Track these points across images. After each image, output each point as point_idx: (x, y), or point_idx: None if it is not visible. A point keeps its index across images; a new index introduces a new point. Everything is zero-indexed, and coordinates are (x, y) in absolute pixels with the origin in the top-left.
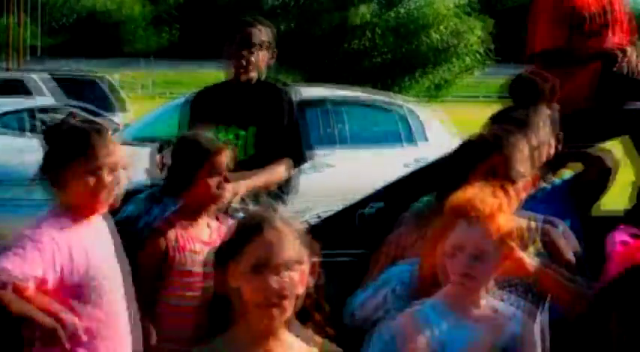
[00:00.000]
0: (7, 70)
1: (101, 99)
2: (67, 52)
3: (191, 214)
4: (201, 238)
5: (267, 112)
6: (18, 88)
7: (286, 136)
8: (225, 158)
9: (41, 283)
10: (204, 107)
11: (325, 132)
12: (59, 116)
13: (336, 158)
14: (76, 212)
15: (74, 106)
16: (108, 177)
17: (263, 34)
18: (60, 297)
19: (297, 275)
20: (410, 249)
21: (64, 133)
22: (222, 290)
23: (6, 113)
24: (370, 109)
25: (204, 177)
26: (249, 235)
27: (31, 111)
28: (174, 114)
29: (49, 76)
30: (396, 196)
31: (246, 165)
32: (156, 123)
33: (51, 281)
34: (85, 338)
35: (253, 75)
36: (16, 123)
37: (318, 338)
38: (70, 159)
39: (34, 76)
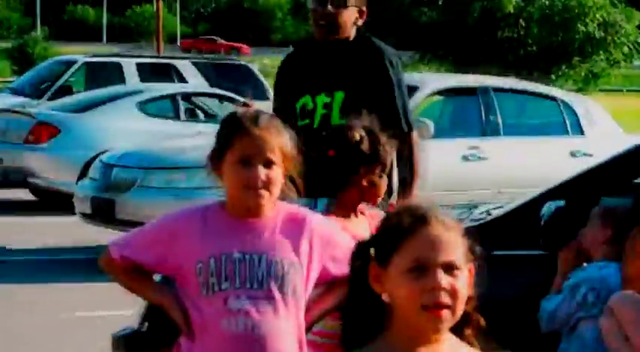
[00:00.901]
0: (157, 55)
1: (248, 85)
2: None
3: (348, 210)
4: (362, 234)
5: (360, 74)
6: (168, 73)
7: (386, 104)
8: (389, 156)
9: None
10: (288, 73)
11: (479, 122)
12: (209, 101)
13: (490, 148)
14: (228, 205)
15: (221, 93)
16: (264, 171)
17: None
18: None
19: (465, 275)
20: (595, 249)
21: (225, 122)
22: (371, 289)
23: (157, 98)
24: (526, 98)
25: (360, 179)
26: (405, 231)
27: (182, 96)
28: None
29: (197, 62)
30: (577, 193)
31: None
32: None
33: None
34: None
35: (338, 37)
36: (167, 107)
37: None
38: (224, 148)
39: (183, 61)
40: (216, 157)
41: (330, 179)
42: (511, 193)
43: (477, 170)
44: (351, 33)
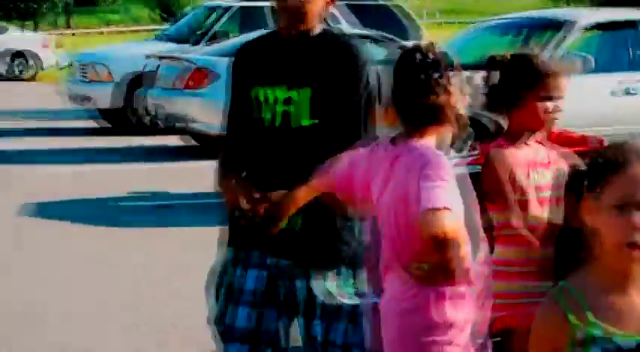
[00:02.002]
0: None
1: (396, 26)
2: None
3: (518, 137)
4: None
5: (329, 70)
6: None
7: (353, 106)
8: (562, 82)
9: None
10: (244, 63)
11: (636, 56)
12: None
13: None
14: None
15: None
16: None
17: None
18: None
19: None
20: None
21: (511, 63)
22: (574, 222)
23: None
24: None
25: (533, 100)
26: (616, 167)
27: None
28: (476, 40)
29: (342, 3)
30: None
31: (296, 139)
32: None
33: None
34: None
35: (305, 28)
36: None
37: None
38: (527, 87)
39: (337, 3)
40: None
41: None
42: None
43: (626, 105)
44: (316, 24)
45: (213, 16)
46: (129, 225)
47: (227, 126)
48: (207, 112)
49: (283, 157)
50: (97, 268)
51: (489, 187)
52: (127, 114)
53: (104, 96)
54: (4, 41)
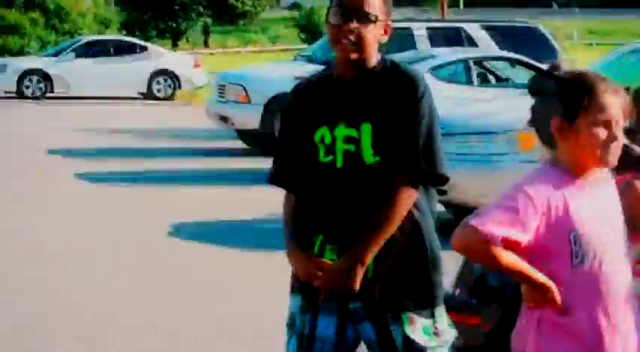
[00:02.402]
0: (447, 19)
1: (536, 48)
2: (495, 1)
3: None
4: None
5: (388, 102)
6: (455, 38)
7: (416, 138)
8: None
9: (518, 239)
10: (301, 105)
11: None
12: (500, 65)
13: None
14: (572, 168)
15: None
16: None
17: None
18: (535, 257)
19: None
20: None
21: (564, 84)
22: None
23: (449, 63)
24: None
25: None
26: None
27: (474, 61)
28: (621, 63)
29: (478, 24)
30: None
31: (360, 178)
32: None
33: (528, 240)
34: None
35: (361, 56)
36: (459, 72)
37: None
38: (576, 110)
39: (473, 25)
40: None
41: None
42: None
43: None
44: (373, 53)
45: None
46: (270, 248)
47: (284, 172)
48: None
49: (350, 199)
50: (243, 290)
51: (629, 217)
52: (263, 136)
53: (241, 117)
54: (154, 61)
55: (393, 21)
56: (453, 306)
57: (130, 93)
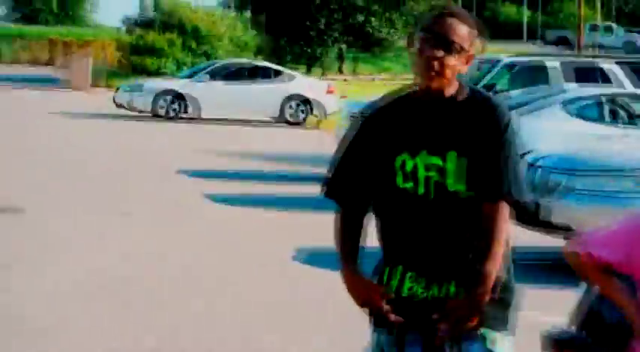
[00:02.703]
0: (581, 55)
1: None
2: None
3: None
4: None
5: (472, 130)
6: (589, 73)
7: (502, 167)
8: None
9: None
10: (380, 128)
11: None
12: (634, 103)
13: None
14: None
15: None
16: None
17: (463, 29)
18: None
19: None
20: None
21: None
22: None
23: (581, 99)
24: None
25: None
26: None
27: (606, 98)
28: None
29: (620, 62)
30: None
31: (442, 207)
32: None
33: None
34: None
35: (443, 84)
36: (591, 109)
37: None
38: None
39: (608, 61)
40: None
41: None
42: None
43: None
44: (455, 81)
45: (482, 69)
46: None
47: (346, 194)
48: None
49: (433, 226)
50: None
51: None
52: None
53: None
54: (288, 86)
55: (527, 55)
56: (563, 341)
57: (262, 117)
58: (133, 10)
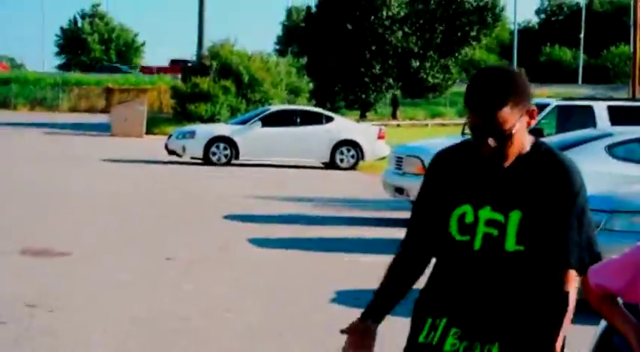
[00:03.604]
0: (630, 98)
1: None
2: None
3: None
4: None
5: (541, 192)
6: (636, 117)
7: (565, 231)
8: None
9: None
10: (444, 175)
11: None
12: None
13: None
14: None
15: None
16: None
17: (509, 107)
18: None
19: None
20: None
21: None
22: None
23: (626, 141)
24: None
25: None
26: None
27: None
28: None
29: None
30: None
31: (497, 265)
32: None
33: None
34: None
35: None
36: (634, 151)
37: None
38: None
39: None
40: None
41: None
42: None
43: None
44: (527, 142)
45: None
46: None
47: (409, 240)
48: None
49: (485, 284)
50: None
51: None
52: None
53: (417, 190)
54: (339, 131)
55: (580, 99)
56: None
57: (314, 163)
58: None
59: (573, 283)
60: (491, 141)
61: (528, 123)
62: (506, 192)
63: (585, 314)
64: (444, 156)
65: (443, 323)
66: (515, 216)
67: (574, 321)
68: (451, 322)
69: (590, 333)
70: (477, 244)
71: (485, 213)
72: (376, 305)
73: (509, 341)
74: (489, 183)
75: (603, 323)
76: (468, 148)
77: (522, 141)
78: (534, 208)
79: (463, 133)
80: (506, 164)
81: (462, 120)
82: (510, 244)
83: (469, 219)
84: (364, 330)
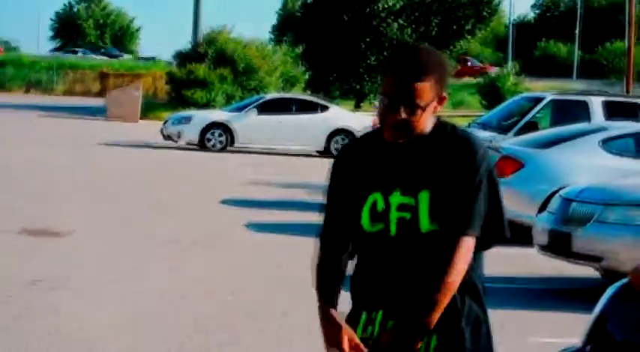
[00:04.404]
0: (625, 94)
1: None
2: None
3: None
4: None
5: (445, 168)
6: (634, 112)
7: (467, 201)
8: None
9: None
10: (349, 166)
11: None
12: None
13: None
14: None
15: None
16: None
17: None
18: None
19: None
20: None
21: None
22: None
23: (620, 136)
24: None
25: None
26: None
27: None
28: None
29: None
30: None
31: (414, 247)
32: None
33: None
34: None
35: (410, 136)
36: (629, 146)
37: None
38: None
39: None
40: None
41: None
42: None
43: None
44: (427, 125)
45: (526, 106)
46: None
47: (326, 235)
48: (510, 200)
49: (406, 268)
50: None
51: None
52: None
53: None
54: (334, 120)
55: (574, 93)
56: None
57: (309, 151)
58: (185, 44)
59: (465, 251)
60: (402, 112)
61: (435, 109)
62: (412, 173)
63: (579, 301)
64: (349, 149)
65: (379, 316)
66: (424, 196)
67: (571, 309)
68: (387, 315)
69: (584, 320)
70: (393, 230)
71: (396, 199)
72: (327, 295)
73: (395, 308)
74: (395, 167)
75: (597, 309)
76: (371, 138)
77: (426, 122)
78: (441, 185)
79: (470, 125)
80: (405, 140)
81: (455, 113)
82: (425, 225)
83: (380, 206)
84: (333, 321)
